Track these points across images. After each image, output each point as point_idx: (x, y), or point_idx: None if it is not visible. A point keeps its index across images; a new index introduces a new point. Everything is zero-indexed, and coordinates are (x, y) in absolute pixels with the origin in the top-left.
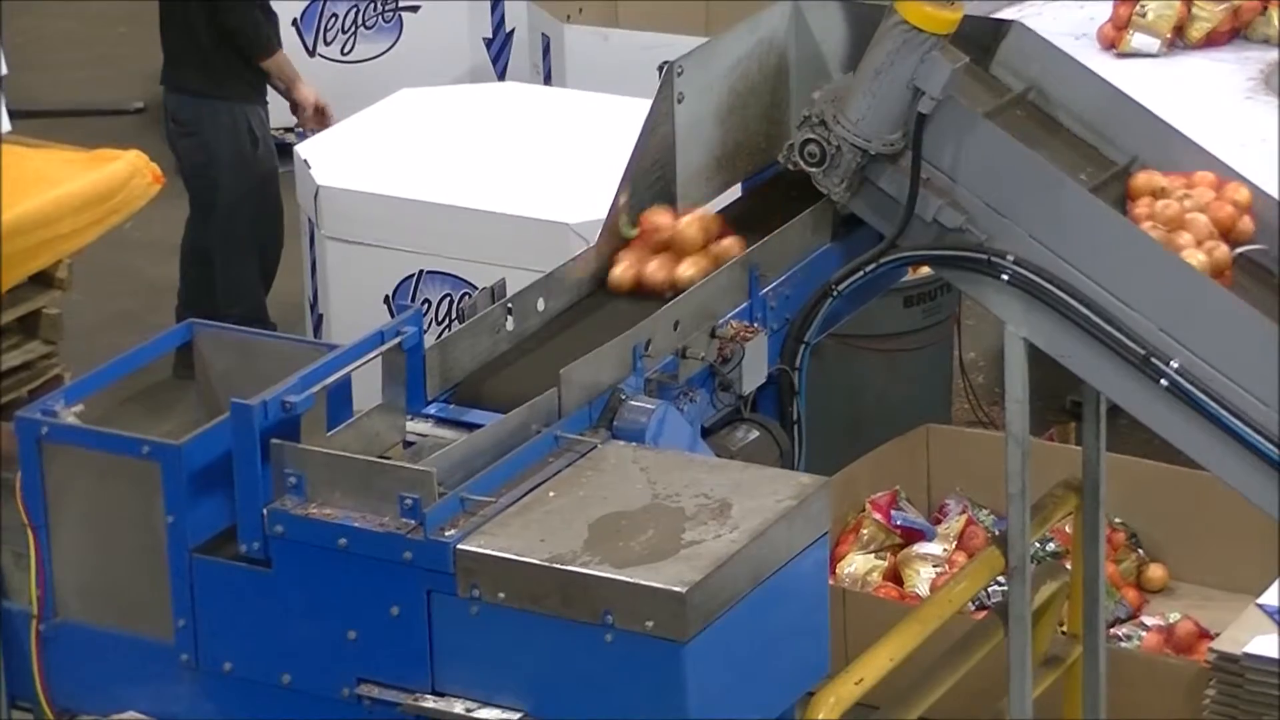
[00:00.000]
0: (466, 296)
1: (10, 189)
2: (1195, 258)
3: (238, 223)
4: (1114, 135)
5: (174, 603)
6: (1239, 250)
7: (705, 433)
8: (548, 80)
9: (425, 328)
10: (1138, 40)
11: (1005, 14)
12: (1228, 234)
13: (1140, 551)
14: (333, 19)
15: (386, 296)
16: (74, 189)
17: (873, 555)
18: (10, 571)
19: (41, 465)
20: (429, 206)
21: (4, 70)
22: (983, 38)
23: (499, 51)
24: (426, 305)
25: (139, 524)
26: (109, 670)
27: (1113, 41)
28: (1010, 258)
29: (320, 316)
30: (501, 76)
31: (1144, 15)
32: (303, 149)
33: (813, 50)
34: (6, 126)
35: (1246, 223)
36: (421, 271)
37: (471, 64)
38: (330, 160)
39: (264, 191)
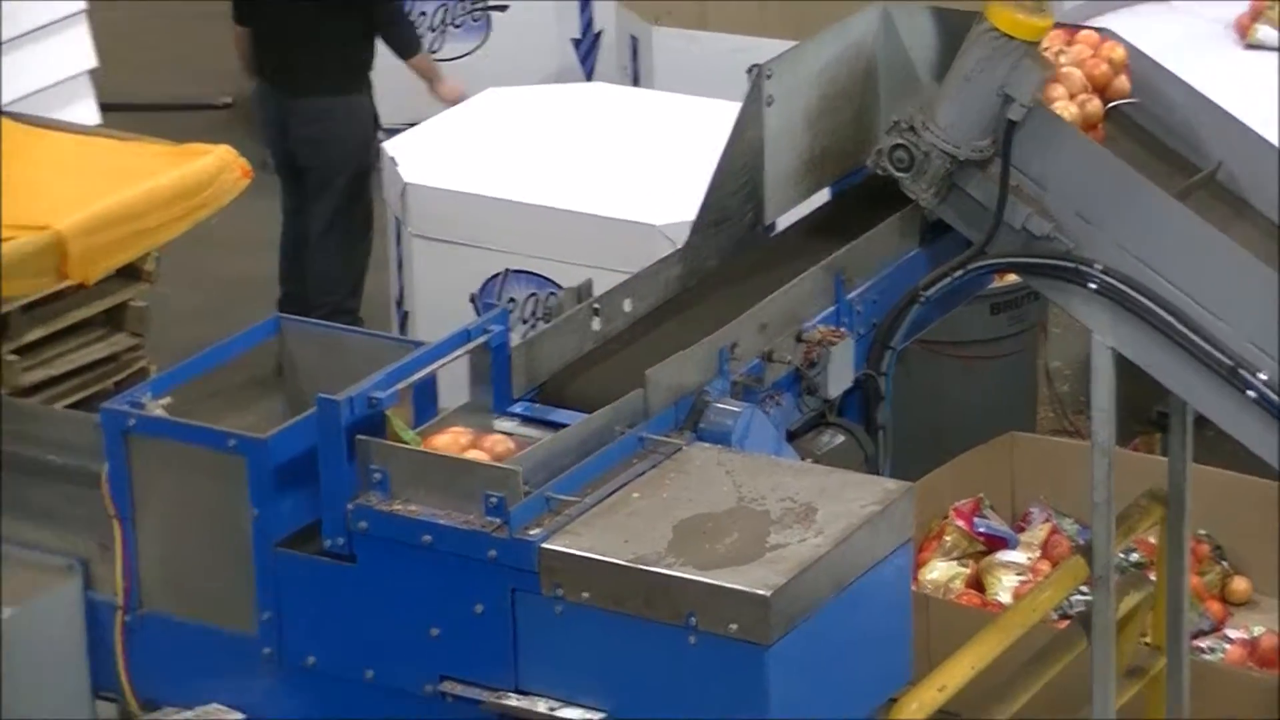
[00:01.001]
0: (552, 296)
1: (100, 181)
2: (1068, 110)
3: (348, 214)
4: (1199, 141)
5: (257, 596)
6: (1111, 104)
7: (790, 436)
8: (635, 82)
9: (510, 326)
10: (1263, 33)
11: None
12: (1103, 90)
13: (1224, 564)
14: (421, 17)
15: (472, 295)
16: (163, 182)
17: (955, 562)
18: (96, 562)
19: (127, 457)
20: (516, 206)
21: (94, 63)
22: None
23: (587, 52)
24: (512, 304)
25: (223, 517)
26: (192, 662)
27: (1244, 32)
28: (1098, 266)
29: (406, 313)
30: (589, 77)
31: (1273, 8)
32: (390, 147)
33: (901, 55)
34: (97, 119)
35: (1123, 81)
36: (507, 270)
37: (559, 65)
38: (418, 158)
39: (368, 183)
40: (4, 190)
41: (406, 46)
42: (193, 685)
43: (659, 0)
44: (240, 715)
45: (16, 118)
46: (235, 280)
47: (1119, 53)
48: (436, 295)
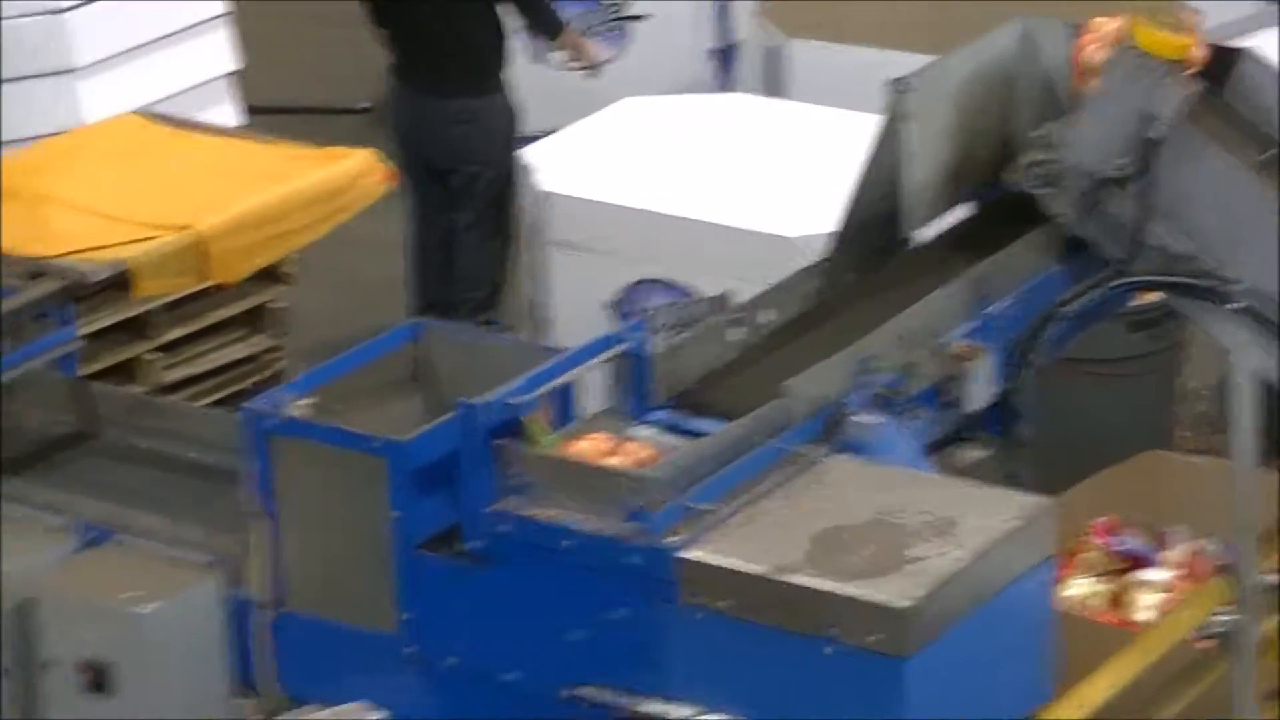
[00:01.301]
0: (687, 305)
1: (242, 183)
2: None
3: (492, 214)
4: None
5: (398, 597)
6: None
7: (929, 450)
8: (773, 93)
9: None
10: None
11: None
12: None
13: None
14: None
15: (608, 303)
16: (304, 185)
17: (1094, 580)
18: (237, 560)
19: (269, 457)
20: (652, 216)
21: (236, 66)
22: (1214, 65)
23: (725, 63)
24: (647, 313)
25: (363, 518)
26: (335, 660)
27: None
28: (1239, 286)
29: (540, 321)
30: (726, 88)
31: None
32: (527, 155)
33: (1040, 72)
34: (239, 122)
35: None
36: (643, 279)
37: (697, 75)
38: (555, 167)
39: (512, 182)
40: (147, 190)
41: (551, 26)
42: (334, 683)
43: (798, 7)
44: (383, 714)
45: (160, 119)
46: (372, 283)
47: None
48: (572, 303)
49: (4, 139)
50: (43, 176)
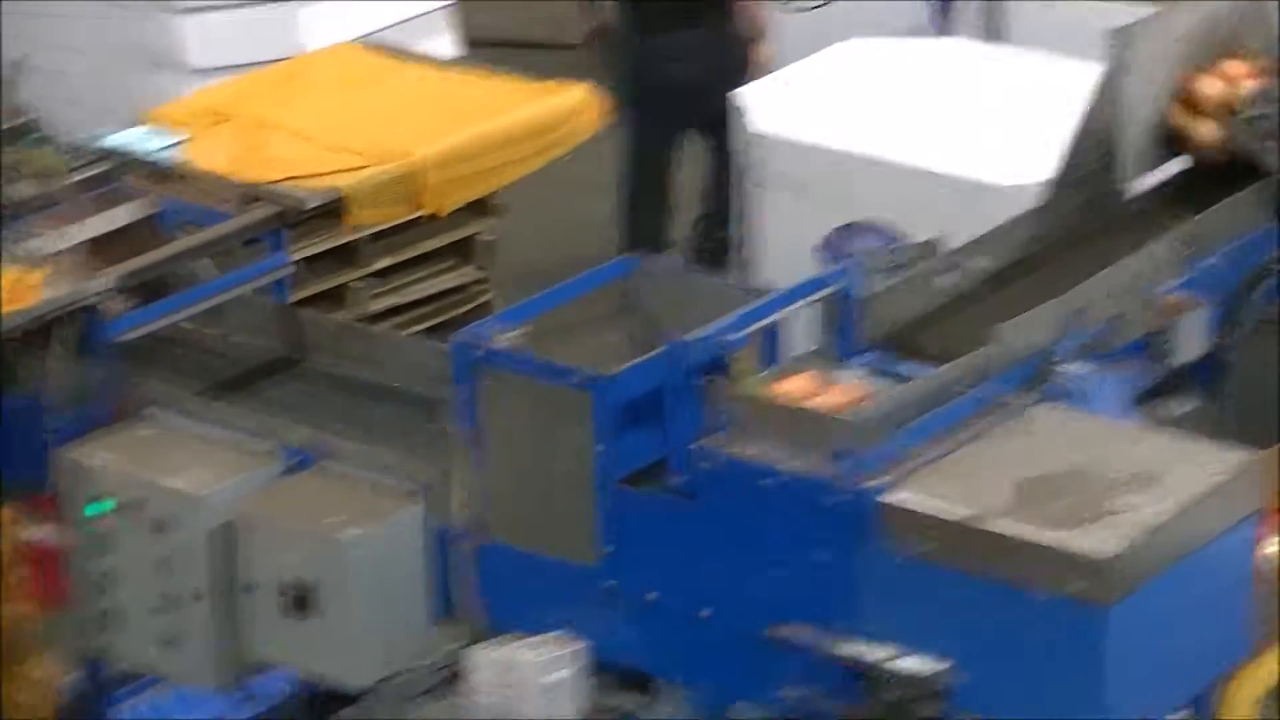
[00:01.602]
0: (896, 250)
1: (458, 115)
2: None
3: (718, 144)
4: None
5: (600, 531)
6: None
7: (1137, 402)
8: (992, 39)
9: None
10: None
11: None
12: None
13: None
14: None
15: (816, 246)
16: (520, 118)
17: None
18: (440, 489)
19: (475, 387)
20: (865, 160)
21: None
22: None
23: (945, 8)
24: (857, 256)
25: (567, 451)
26: (535, 591)
27: None
28: None
29: (747, 262)
30: (946, 33)
31: None
32: (739, 96)
33: (1263, 26)
34: (455, 54)
35: None
36: (852, 224)
37: (917, 19)
38: (767, 108)
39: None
40: (364, 119)
41: None
42: (534, 614)
43: None
44: (581, 645)
45: (379, 48)
46: (582, 218)
47: None
48: (780, 244)
49: (224, 65)
50: (261, 103)
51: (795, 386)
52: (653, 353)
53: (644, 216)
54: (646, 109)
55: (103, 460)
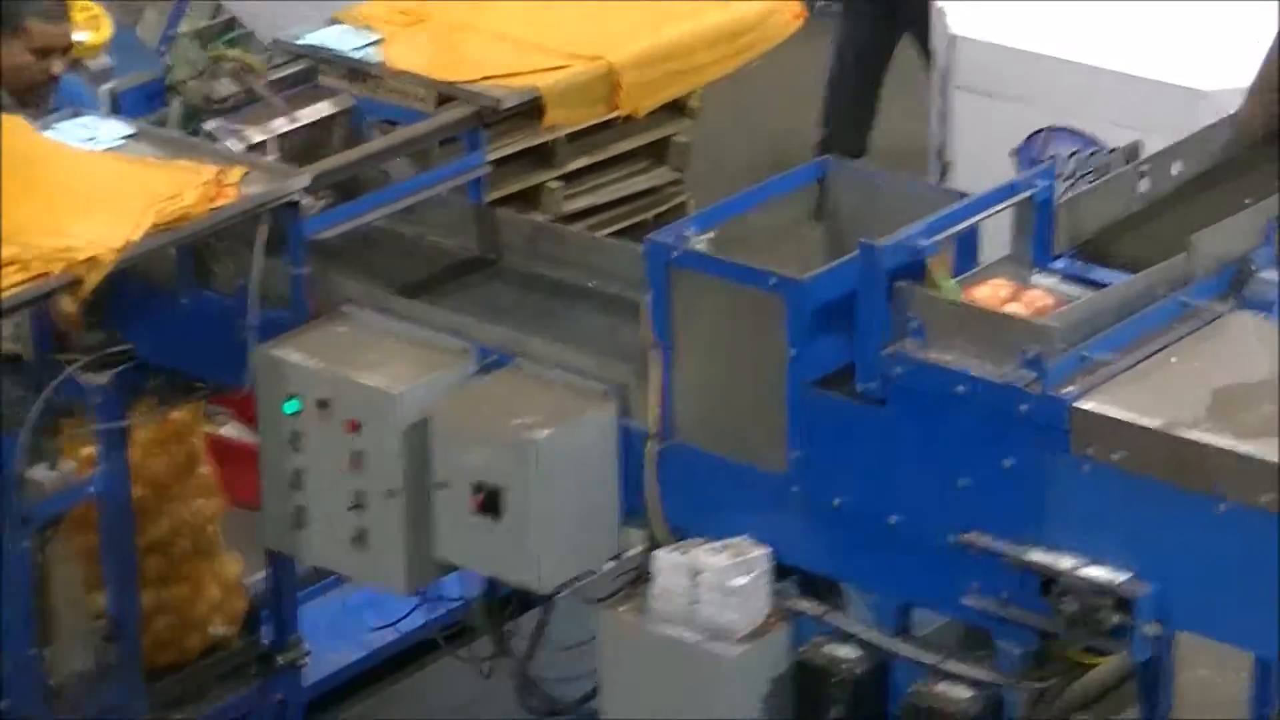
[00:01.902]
0: (1094, 155)
1: (654, 16)
2: None
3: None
4: None
5: (789, 435)
6: None
7: None
8: None
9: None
10: None
11: None
12: None
13: None
14: None
15: (1012, 150)
16: (716, 20)
17: None
18: (631, 390)
19: (669, 289)
20: (1063, 63)
21: None
22: None
23: None
24: (1053, 161)
25: (759, 355)
26: (720, 495)
27: None
28: None
29: (945, 165)
30: None
31: None
32: None
33: None
34: None
35: None
36: (1050, 127)
37: None
38: (967, 10)
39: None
40: (561, 20)
41: None
42: (720, 517)
43: None
44: (765, 550)
45: None
46: (776, 121)
47: None
48: (977, 148)
49: None
50: (458, 4)
51: (989, 292)
52: (846, 257)
53: (849, 119)
54: (860, 9)
55: (299, 358)
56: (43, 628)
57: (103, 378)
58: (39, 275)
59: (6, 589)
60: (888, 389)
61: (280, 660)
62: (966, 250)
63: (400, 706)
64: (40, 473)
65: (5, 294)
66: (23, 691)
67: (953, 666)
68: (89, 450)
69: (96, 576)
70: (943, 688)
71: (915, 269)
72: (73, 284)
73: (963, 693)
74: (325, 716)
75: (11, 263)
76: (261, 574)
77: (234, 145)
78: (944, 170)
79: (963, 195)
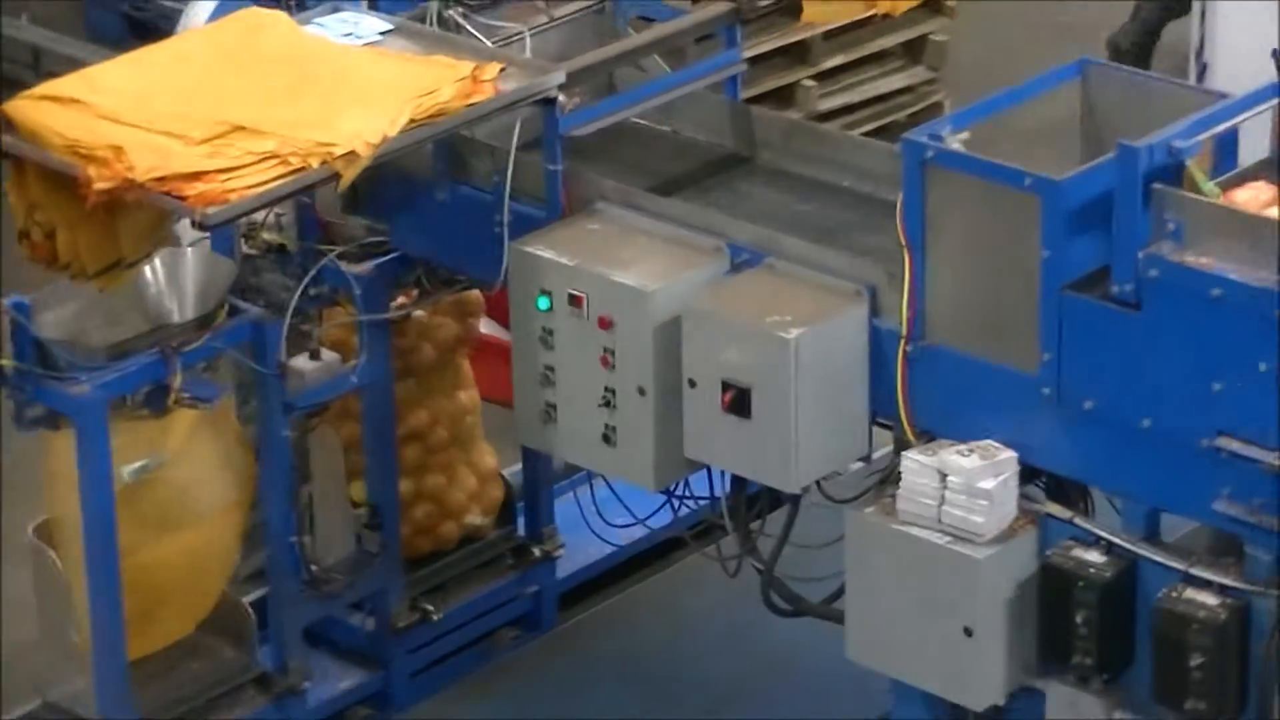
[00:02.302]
0: None
1: None
2: None
3: None
4: None
5: (1041, 337)
6: None
7: None
8: None
9: None
10: None
11: None
12: None
13: None
14: None
15: (1274, 50)
16: None
17: None
18: (883, 290)
19: (923, 189)
20: None
21: None
22: None
23: None
24: None
25: (1012, 256)
26: (969, 396)
27: None
28: None
29: (1204, 66)
30: None
31: None
32: None
33: None
34: None
35: None
36: None
37: None
38: None
39: None
40: None
41: None
42: (968, 419)
43: None
44: (1013, 453)
45: None
46: (1037, 21)
47: None
48: (1236, 49)
49: None
50: None
51: (1249, 195)
52: (1103, 157)
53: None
54: None
55: (552, 254)
56: (304, 516)
57: (364, 268)
58: (298, 170)
59: (268, 477)
60: (1143, 291)
61: (536, 551)
62: (1226, 152)
63: (647, 602)
64: (302, 362)
65: (265, 188)
66: (285, 577)
67: (1201, 572)
68: (350, 340)
69: (356, 466)
70: (1190, 593)
71: (1173, 171)
72: (331, 178)
73: (1211, 599)
74: (574, 611)
75: (272, 156)
76: (516, 467)
77: (494, 41)
78: (1202, 70)
79: (1223, 96)
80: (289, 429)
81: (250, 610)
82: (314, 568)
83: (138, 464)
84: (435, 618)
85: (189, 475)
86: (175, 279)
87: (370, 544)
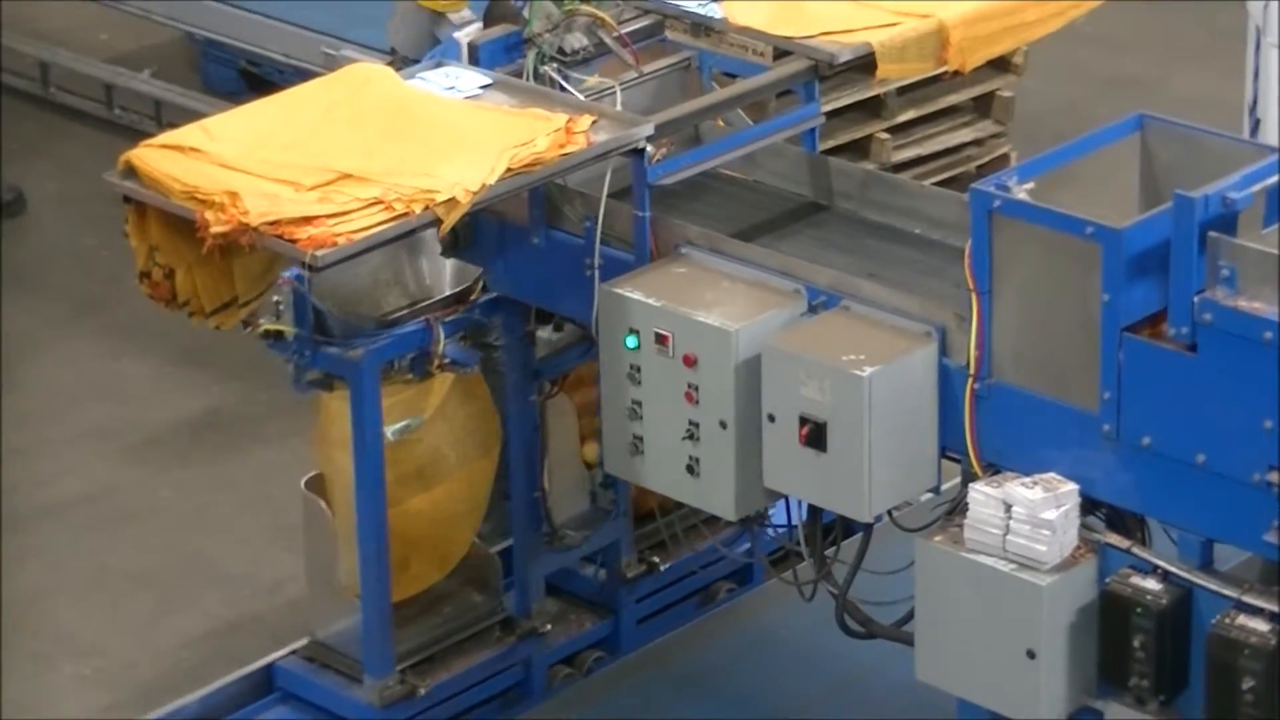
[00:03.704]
0: None
1: None
2: None
3: None
4: None
5: (1102, 376)
6: None
7: None
8: None
9: None
10: None
11: None
12: None
13: None
14: None
15: None
16: None
17: None
18: (952, 331)
19: (990, 236)
20: None
21: None
22: None
23: None
24: None
25: (1075, 299)
26: (1033, 432)
27: None
28: None
29: (1257, 121)
30: None
31: None
32: None
33: None
34: None
35: None
36: None
37: None
38: None
39: None
40: None
41: None
42: (1032, 453)
43: None
44: (1075, 486)
45: None
46: (1099, 77)
47: None
48: None
49: None
50: None
51: None
52: (1161, 207)
53: None
54: None
55: (640, 296)
56: (544, 474)
57: None
58: (402, 215)
59: (514, 438)
60: (1198, 334)
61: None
62: (1276, 204)
63: (728, 624)
64: (546, 333)
65: (371, 231)
66: (525, 530)
67: (1253, 600)
68: None
69: (589, 430)
70: (1243, 620)
71: (1228, 220)
72: (433, 223)
73: (1262, 625)
74: (655, 631)
75: (377, 202)
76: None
77: (587, 95)
78: (1255, 126)
79: (1274, 150)
80: (534, 394)
81: (498, 559)
82: (552, 522)
83: (400, 424)
84: (661, 569)
85: (443, 435)
86: (434, 259)
87: (603, 502)
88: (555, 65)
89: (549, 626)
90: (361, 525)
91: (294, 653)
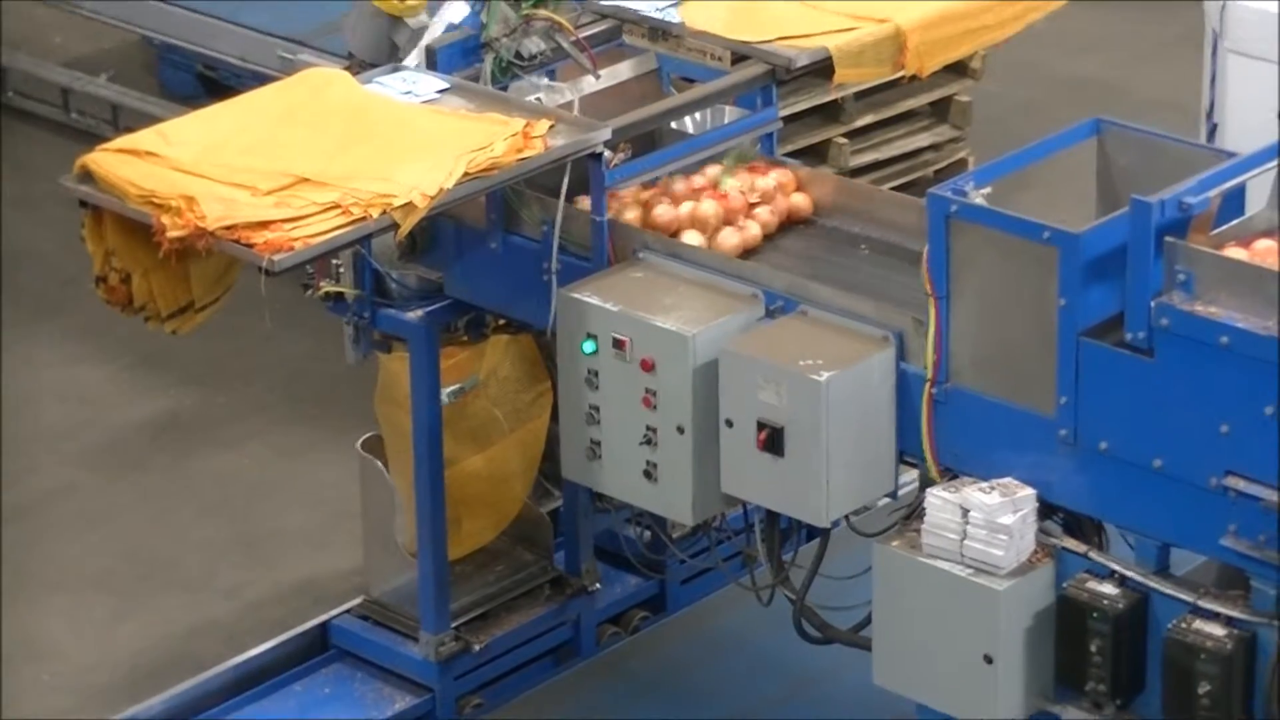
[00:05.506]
0: None
1: None
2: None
3: None
4: None
5: (1059, 381)
6: None
7: None
8: None
9: None
10: None
11: None
12: None
13: None
14: None
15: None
16: None
17: None
18: (910, 336)
19: (947, 240)
20: None
21: None
22: None
23: None
24: None
25: (1032, 304)
26: (991, 436)
27: None
28: None
29: (1215, 126)
30: None
31: None
32: None
33: None
34: None
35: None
36: None
37: None
38: None
39: None
40: None
41: None
42: (990, 458)
43: None
44: (1032, 490)
45: None
46: (1058, 80)
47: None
48: (1246, 110)
49: None
50: None
51: (1255, 248)
52: (1118, 212)
53: None
54: None
55: (598, 300)
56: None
57: None
58: (359, 219)
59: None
60: (1155, 338)
61: None
62: (1233, 208)
63: (685, 628)
64: None
65: (328, 236)
66: (578, 492)
67: (1209, 604)
68: None
69: None
70: (1199, 625)
71: (1184, 224)
72: (390, 227)
73: (1218, 630)
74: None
75: (335, 206)
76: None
77: (544, 99)
78: (1212, 130)
79: (1230, 155)
80: None
81: (549, 519)
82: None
83: (455, 386)
84: (711, 529)
85: (497, 397)
86: None
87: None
88: (514, 70)
89: (597, 586)
90: (419, 482)
91: (348, 611)
